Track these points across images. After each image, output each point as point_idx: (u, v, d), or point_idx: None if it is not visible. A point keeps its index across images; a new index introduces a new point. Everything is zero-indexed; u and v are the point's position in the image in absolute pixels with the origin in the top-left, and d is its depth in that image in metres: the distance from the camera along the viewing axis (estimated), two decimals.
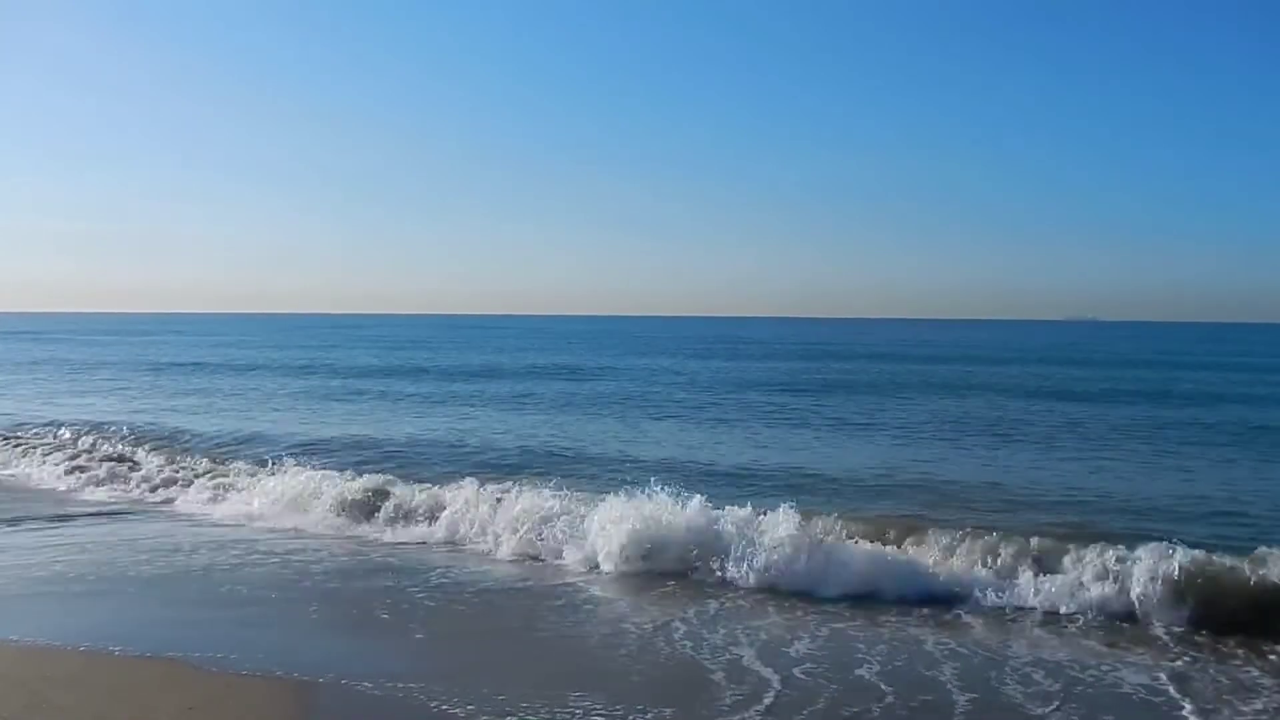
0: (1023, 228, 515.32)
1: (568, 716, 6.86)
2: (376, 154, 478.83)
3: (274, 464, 16.29)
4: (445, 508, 13.18)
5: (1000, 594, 9.79)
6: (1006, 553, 10.39)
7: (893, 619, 9.31)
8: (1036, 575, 9.98)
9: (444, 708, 7.01)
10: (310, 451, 18.27)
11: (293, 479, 15.08)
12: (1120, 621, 9.28)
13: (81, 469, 17.45)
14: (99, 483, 16.58)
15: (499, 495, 13.12)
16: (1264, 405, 29.11)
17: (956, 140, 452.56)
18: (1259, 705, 7.25)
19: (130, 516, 14.26)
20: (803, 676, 7.73)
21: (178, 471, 16.98)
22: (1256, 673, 7.92)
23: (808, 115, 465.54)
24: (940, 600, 9.81)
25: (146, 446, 19.36)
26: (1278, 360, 58.13)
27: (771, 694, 7.34)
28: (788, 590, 10.11)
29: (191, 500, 15.34)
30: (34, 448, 19.48)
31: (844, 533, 11.24)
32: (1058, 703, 7.24)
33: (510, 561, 11.65)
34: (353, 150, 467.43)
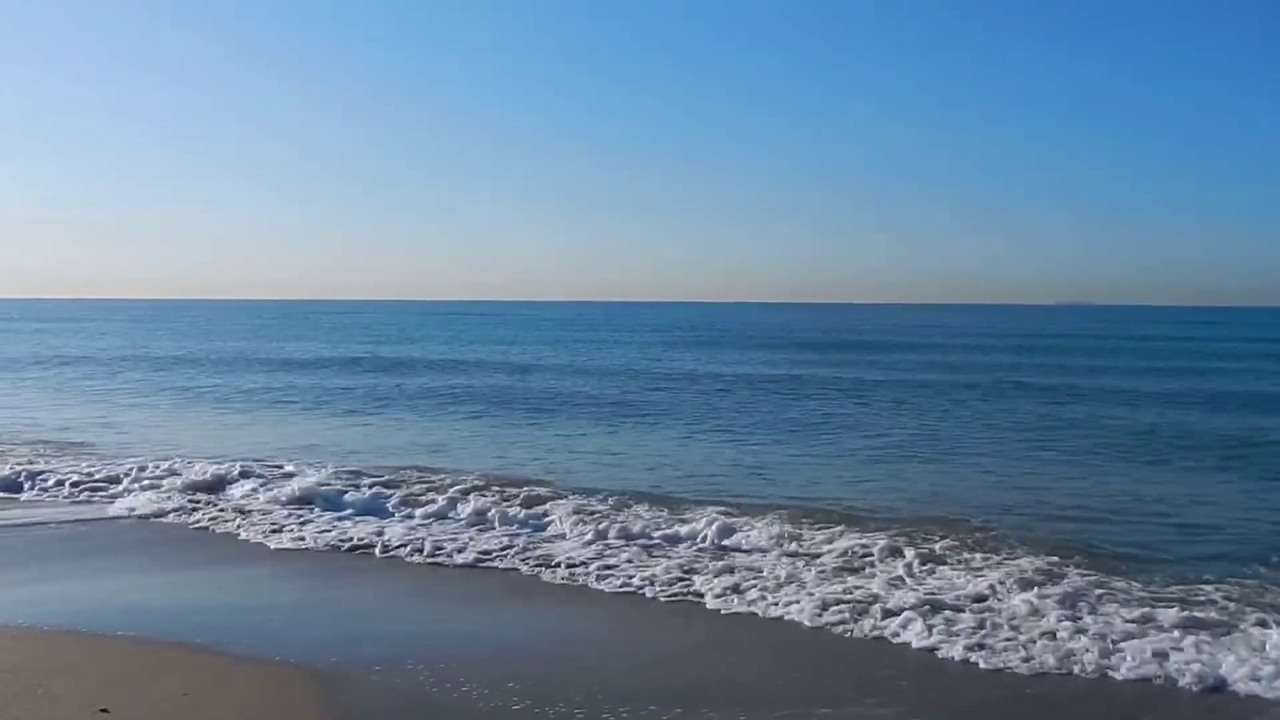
0: (1014, 213, 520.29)
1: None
2: (371, 146, 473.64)
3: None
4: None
5: None
6: None
7: None
8: None
9: (453, 693, 6.96)
10: None
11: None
12: None
13: None
14: None
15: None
16: None
17: (947, 125, 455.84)
18: None
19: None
20: None
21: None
22: None
23: (796, 100, 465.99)
24: None
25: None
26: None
27: None
28: None
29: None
30: None
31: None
32: None
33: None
34: (345, 141, 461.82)
